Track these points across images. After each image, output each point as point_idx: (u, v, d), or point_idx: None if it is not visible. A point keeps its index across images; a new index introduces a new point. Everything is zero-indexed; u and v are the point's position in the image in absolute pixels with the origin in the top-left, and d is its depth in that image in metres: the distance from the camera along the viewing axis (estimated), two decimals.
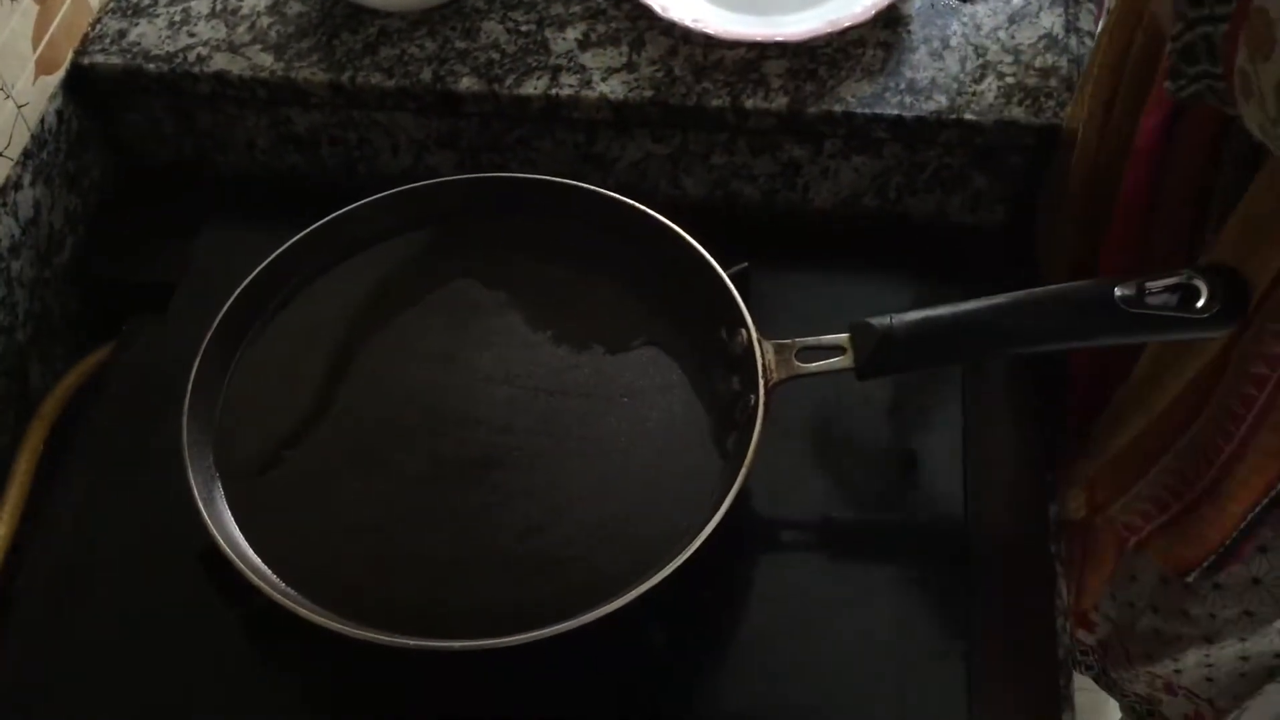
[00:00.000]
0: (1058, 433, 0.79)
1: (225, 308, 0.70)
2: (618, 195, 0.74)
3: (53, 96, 0.82)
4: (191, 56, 0.83)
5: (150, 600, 0.68)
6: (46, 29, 0.80)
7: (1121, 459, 0.75)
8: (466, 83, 0.81)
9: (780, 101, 0.78)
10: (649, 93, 0.80)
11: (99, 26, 0.85)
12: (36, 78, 0.80)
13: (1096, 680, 1.02)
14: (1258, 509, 0.68)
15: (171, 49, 0.84)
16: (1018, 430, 0.75)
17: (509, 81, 0.81)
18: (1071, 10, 0.83)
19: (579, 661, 0.62)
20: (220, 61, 0.83)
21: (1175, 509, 0.73)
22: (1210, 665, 0.87)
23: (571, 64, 0.81)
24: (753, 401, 0.64)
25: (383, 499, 0.66)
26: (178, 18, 0.86)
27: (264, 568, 0.62)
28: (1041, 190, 0.82)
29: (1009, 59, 0.81)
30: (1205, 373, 0.66)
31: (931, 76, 0.79)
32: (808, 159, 0.83)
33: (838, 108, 0.78)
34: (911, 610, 0.66)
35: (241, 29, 0.85)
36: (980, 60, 0.80)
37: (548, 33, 0.83)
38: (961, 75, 0.80)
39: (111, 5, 0.87)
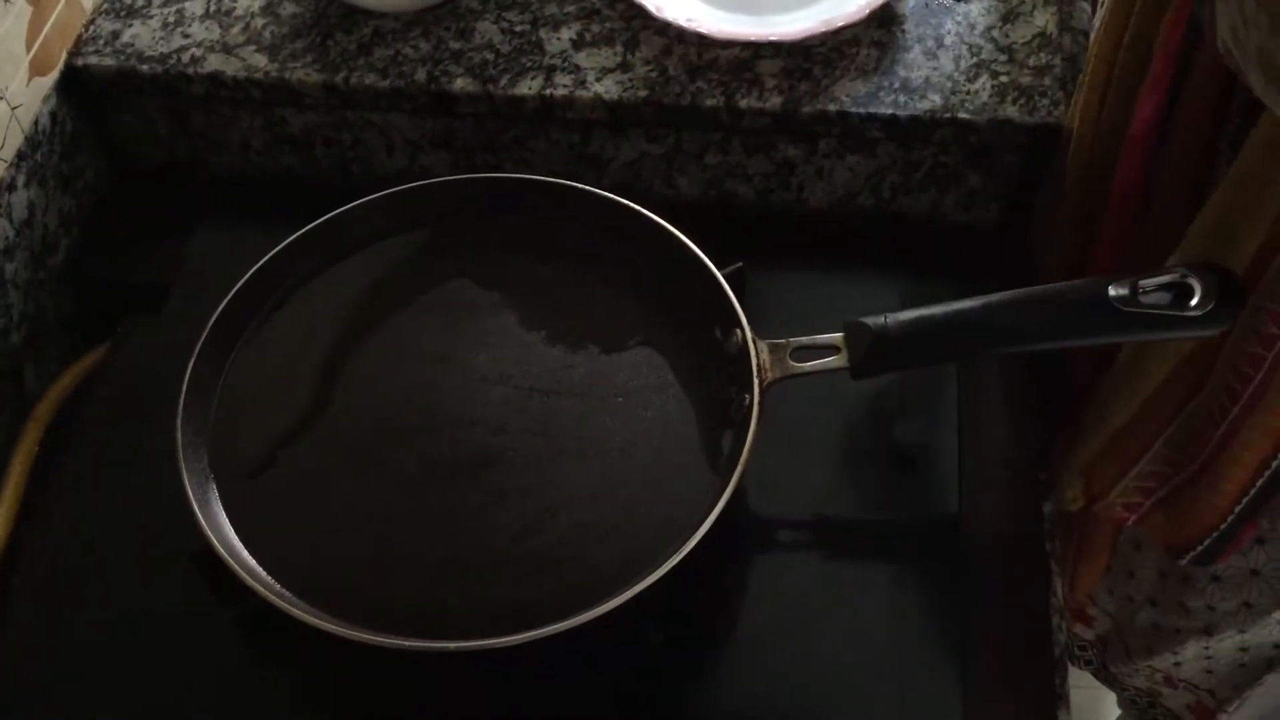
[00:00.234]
0: (1053, 429, 0.80)
1: (220, 309, 0.70)
2: (612, 195, 0.74)
3: (46, 98, 0.81)
4: (185, 58, 0.83)
5: (145, 601, 0.68)
6: (40, 30, 0.80)
7: (1117, 445, 0.75)
8: (461, 83, 0.81)
9: (775, 101, 0.78)
10: (643, 92, 0.80)
11: (92, 28, 0.85)
12: (30, 79, 0.80)
13: (1096, 675, 1.02)
14: (1253, 490, 0.68)
15: (165, 50, 0.84)
16: (1013, 428, 0.75)
17: (503, 82, 0.81)
18: (1065, 9, 0.83)
19: (575, 661, 0.62)
20: (214, 62, 0.83)
21: (1175, 481, 0.73)
22: (1210, 657, 0.87)
23: (566, 64, 0.81)
24: (747, 401, 0.64)
25: (378, 499, 0.66)
26: (171, 19, 0.86)
27: (258, 569, 0.62)
28: (1040, 189, 0.82)
29: (1003, 58, 0.81)
30: (1199, 352, 0.66)
31: (926, 75, 0.80)
32: (802, 158, 0.83)
33: (832, 107, 0.78)
34: (907, 609, 0.66)
35: (235, 30, 0.85)
36: (974, 59, 0.81)
37: (542, 33, 0.83)
38: (956, 74, 0.80)
39: (105, 6, 0.87)
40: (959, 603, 0.67)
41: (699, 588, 0.66)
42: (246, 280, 0.71)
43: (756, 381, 0.65)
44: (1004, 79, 0.79)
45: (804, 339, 0.66)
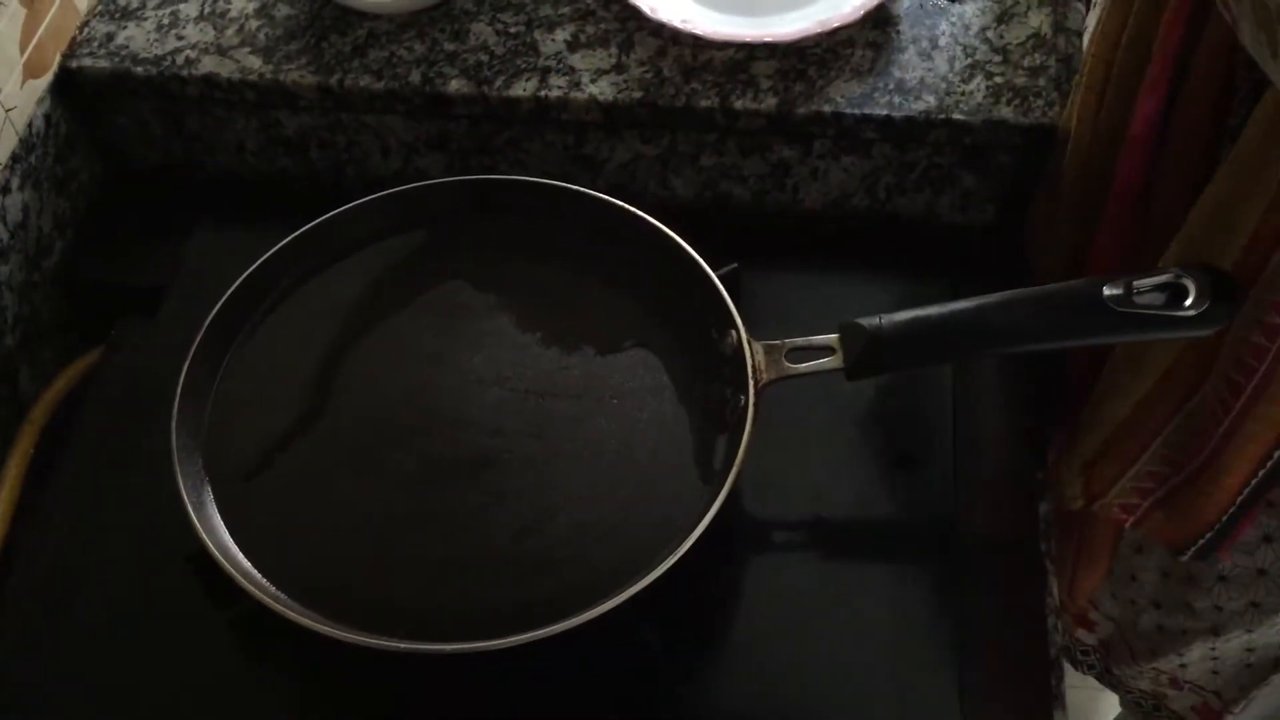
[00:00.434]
0: (1049, 429, 0.80)
1: (215, 311, 0.70)
2: (607, 197, 0.74)
3: (41, 100, 0.81)
4: (180, 59, 0.83)
5: (141, 604, 0.68)
6: (34, 32, 0.80)
7: (1116, 443, 0.75)
8: (455, 85, 0.81)
9: (769, 102, 0.79)
10: (638, 94, 0.80)
11: (86, 30, 0.85)
12: (24, 81, 0.79)
13: (1099, 679, 1.02)
14: (1253, 483, 0.68)
15: (160, 52, 0.84)
16: (1009, 429, 0.75)
17: (498, 83, 0.81)
18: (1060, 10, 0.83)
19: (572, 663, 0.62)
20: (209, 64, 0.83)
21: (1173, 482, 0.73)
22: (1216, 658, 0.87)
23: (560, 65, 0.81)
24: (743, 402, 0.64)
25: (373, 501, 0.66)
26: (166, 21, 0.86)
27: (254, 571, 0.62)
28: (1035, 190, 0.82)
29: (997, 59, 0.81)
30: (1196, 349, 0.66)
31: (920, 77, 0.80)
32: (797, 159, 0.83)
33: (827, 108, 0.78)
34: (903, 610, 0.66)
35: (230, 32, 0.85)
36: (969, 60, 0.81)
37: (536, 34, 0.83)
38: (950, 75, 0.80)
39: (99, 8, 0.87)
40: (955, 603, 0.67)
41: (695, 589, 0.66)
42: (241, 282, 0.71)
43: (752, 383, 0.65)
44: (998, 80, 0.79)
45: (799, 340, 0.66)
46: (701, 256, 0.70)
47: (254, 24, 0.85)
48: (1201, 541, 0.73)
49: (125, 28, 0.85)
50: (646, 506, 0.65)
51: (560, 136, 0.84)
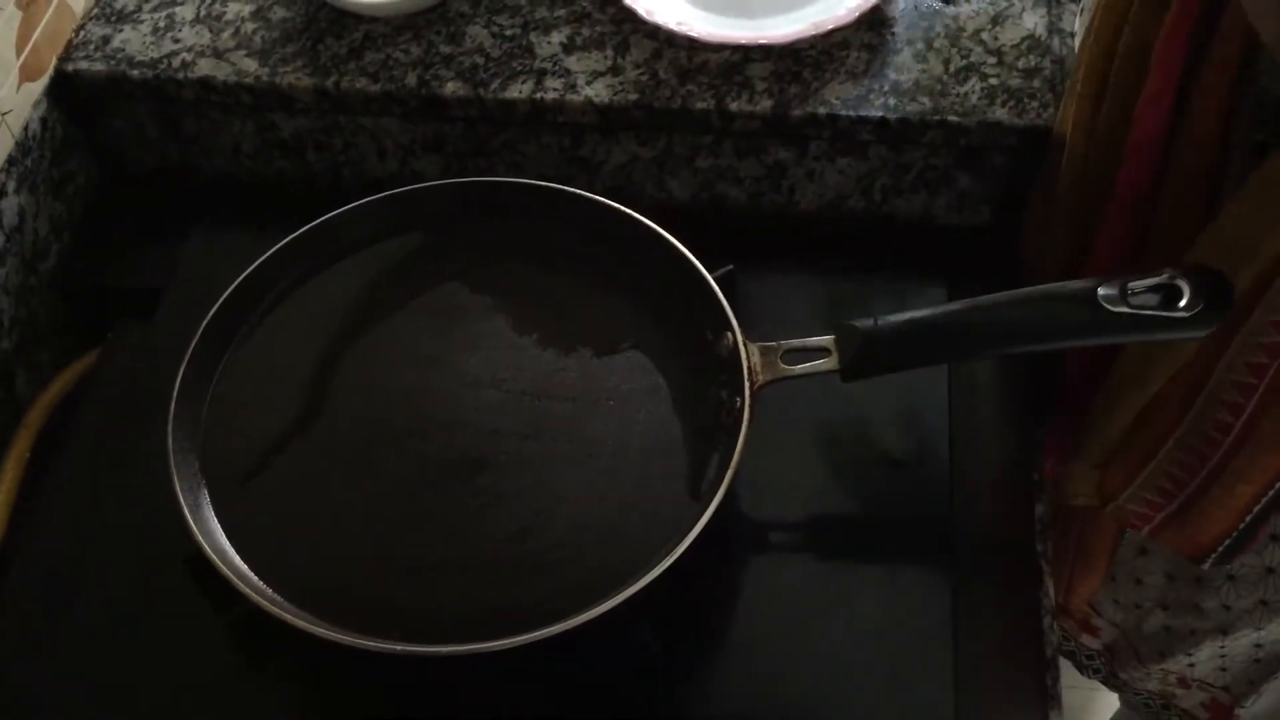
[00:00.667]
0: (1047, 428, 0.80)
1: (211, 313, 0.70)
2: (603, 199, 0.74)
3: (37, 103, 0.81)
4: (176, 62, 0.83)
5: (138, 606, 0.68)
6: (30, 36, 0.80)
7: (1128, 444, 0.75)
8: (452, 87, 0.81)
9: (765, 104, 0.79)
10: (634, 96, 0.80)
11: (83, 33, 0.85)
12: (20, 85, 0.79)
13: (1105, 683, 1.02)
14: (1269, 494, 0.68)
15: (156, 55, 0.84)
16: (1004, 430, 0.75)
17: (494, 86, 0.81)
18: (1054, 11, 0.83)
19: (569, 664, 0.62)
20: (205, 67, 0.83)
21: (1183, 497, 0.73)
22: (1224, 655, 0.87)
23: (556, 68, 0.82)
24: (738, 404, 0.64)
25: (370, 503, 0.66)
26: (162, 24, 0.86)
27: (250, 574, 0.62)
28: (1030, 191, 0.82)
29: (992, 60, 0.81)
30: (1202, 353, 0.66)
31: (915, 78, 0.80)
32: (793, 161, 0.83)
33: (822, 110, 0.78)
34: (899, 610, 0.67)
35: (226, 35, 0.85)
36: (964, 62, 0.81)
37: (532, 37, 0.84)
38: (945, 77, 0.80)
39: (95, 11, 0.87)
40: (951, 604, 0.67)
41: (692, 590, 0.66)
42: (238, 285, 0.71)
43: (747, 384, 0.65)
44: (993, 81, 0.80)
45: (794, 341, 0.66)
46: (697, 258, 0.70)
47: (250, 27, 0.85)
48: (1220, 550, 0.73)
49: (121, 31, 0.85)
50: (643, 507, 0.65)
51: (556, 139, 0.84)
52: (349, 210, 0.75)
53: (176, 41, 0.84)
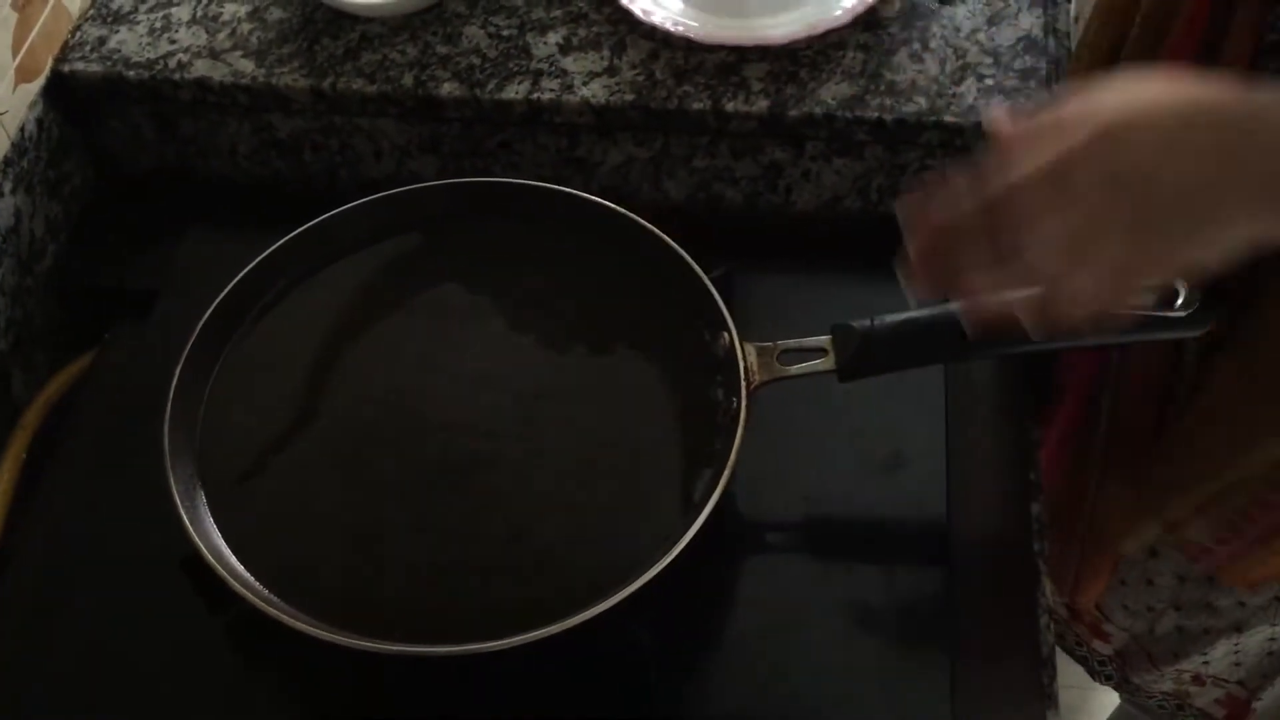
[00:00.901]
0: (1043, 429, 0.79)
1: (207, 314, 0.70)
2: (600, 199, 0.74)
3: (33, 104, 0.81)
4: (172, 63, 0.83)
5: (134, 607, 0.67)
6: (26, 37, 0.80)
7: (1190, 484, 0.75)
8: (448, 88, 0.81)
9: (761, 104, 0.79)
10: (630, 96, 0.80)
11: (79, 34, 0.85)
12: (16, 85, 0.79)
13: (1117, 689, 1.02)
14: None
15: (152, 56, 0.84)
16: (1001, 430, 0.75)
17: (490, 86, 0.81)
18: (1050, 12, 0.84)
19: (568, 664, 0.62)
20: (201, 68, 0.83)
21: (1248, 535, 0.73)
22: (1239, 651, 0.87)
23: (553, 68, 0.82)
24: (735, 404, 0.64)
25: (366, 504, 0.66)
26: (158, 24, 0.86)
27: (246, 575, 0.62)
28: None
29: (988, 60, 0.81)
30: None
31: (911, 79, 0.80)
32: (789, 161, 0.83)
33: (818, 110, 0.78)
34: (896, 610, 0.67)
35: (222, 35, 0.85)
36: (960, 62, 0.81)
37: (529, 37, 0.84)
38: (941, 77, 0.80)
39: (91, 12, 0.87)
40: (948, 603, 0.67)
41: (689, 590, 0.66)
42: (234, 285, 0.71)
43: (744, 384, 0.65)
44: (989, 82, 0.80)
45: (791, 342, 0.66)
46: (694, 258, 0.70)
47: (246, 27, 0.85)
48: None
49: (117, 31, 0.85)
50: (639, 507, 0.65)
51: (553, 139, 0.84)
52: (345, 211, 0.75)
53: (173, 42, 0.84)
